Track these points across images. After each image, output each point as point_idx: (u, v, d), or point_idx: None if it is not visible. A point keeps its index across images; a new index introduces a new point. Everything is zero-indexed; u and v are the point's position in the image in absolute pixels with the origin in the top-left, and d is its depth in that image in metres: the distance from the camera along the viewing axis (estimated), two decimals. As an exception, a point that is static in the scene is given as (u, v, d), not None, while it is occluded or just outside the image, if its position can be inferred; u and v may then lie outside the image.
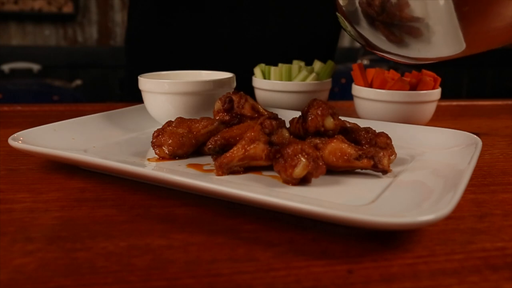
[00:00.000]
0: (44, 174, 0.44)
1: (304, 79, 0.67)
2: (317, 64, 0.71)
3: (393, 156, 0.43)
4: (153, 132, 0.47)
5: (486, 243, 0.31)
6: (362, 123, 0.49)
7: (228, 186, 0.33)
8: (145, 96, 0.58)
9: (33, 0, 2.60)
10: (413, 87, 0.62)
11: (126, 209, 0.36)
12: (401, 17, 0.41)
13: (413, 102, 0.60)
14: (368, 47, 0.50)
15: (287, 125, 0.49)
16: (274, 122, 0.43)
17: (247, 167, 0.42)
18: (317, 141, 0.43)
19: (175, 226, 0.33)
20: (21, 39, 2.67)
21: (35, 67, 2.47)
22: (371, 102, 0.62)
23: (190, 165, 0.45)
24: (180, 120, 0.48)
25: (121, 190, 0.40)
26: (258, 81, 0.69)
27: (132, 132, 0.56)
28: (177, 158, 0.46)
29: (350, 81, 0.67)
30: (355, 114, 0.67)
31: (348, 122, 0.47)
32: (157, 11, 0.89)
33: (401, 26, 0.42)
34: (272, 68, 0.69)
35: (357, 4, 0.44)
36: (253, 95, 0.69)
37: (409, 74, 0.64)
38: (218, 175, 0.41)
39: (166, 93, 0.55)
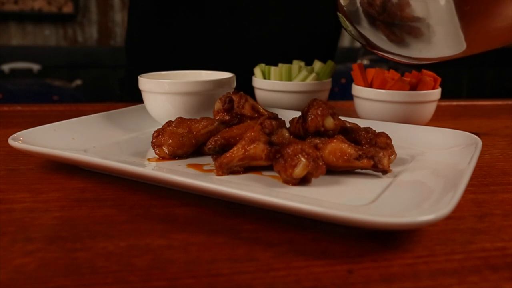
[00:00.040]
0: (44, 174, 0.44)
1: (304, 79, 0.67)
2: (317, 64, 0.71)
3: (393, 156, 0.43)
4: (153, 132, 0.47)
5: (486, 243, 0.31)
6: (362, 123, 0.49)
7: (228, 186, 0.33)
8: (145, 96, 0.58)
9: (33, 0, 2.60)
10: (413, 87, 0.62)
11: (126, 209, 0.36)
12: (402, 16, 0.41)
13: (413, 102, 0.60)
14: (368, 47, 0.50)
15: (287, 125, 0.49)
16: (274, 122, 0.43)
17: (247, 167, 0.42)
18: (317, 141, 0.43)
19: (175, 226, 0.33)
20: (21, 39, 2.67)
21: (35, 67, 2.48)
22: (371, 102, 0.62)
23: (190, 165, 0.45)
24: (180, 120, 0.48)
25: (121, 190, 0.40)
26: (258, 81, 0.69)
27: (132, 132, 0.56)
28: (177, 158, 0.46)
29: (350, 81, 0.67)
30: (355, 114, 0.67)
31: (348, 122, 0.47)
32: (157, 11, 0.89)
33: (402, 26, 0.42)
34: (272, 68, 0.69)
35: (358, 4, 0.44)
36: (253, 95, 0.69)
37: (409, 74, 0.64)
38: (218, 175, 0.41)
39: (166, 93, 0.55)
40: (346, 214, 0.29)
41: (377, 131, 0.46)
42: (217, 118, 0.50)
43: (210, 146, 0.45)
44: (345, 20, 0.48)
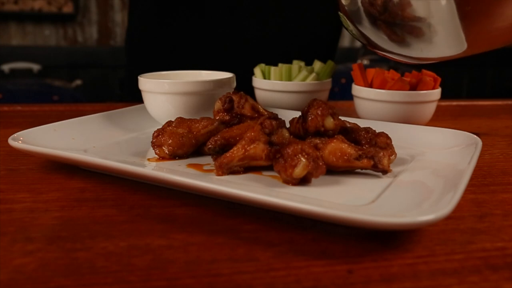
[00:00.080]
0: (44, 174, 0.44)
1: (304, 79, 0.67)
2: (317, 64, 0.71)
3: (393, 156, 0.43)
4: (153, 132, 0.47)
5: (486, 243, 0.31)
6: (362, 123, 0.49)
7: (228, 186, 0.33)
8: (145, 96, 0.58)
9: (33, 0, 2.60)
10: (413, 87, 0.62)
11: (126, 209, 0.36)
12: (403, 16, 0.41)
13: (413, 102, 0.60)
14: (369, 47, 0.50)
15: (287, 125, 0.49)
16: (274, 122, 0.43)
17: (247, 167, 0.42)
18: (317, 141, 0.43)
19: (175, 226, 0.33)
20: (21, 39, 2.67)
21: (35, 67, 2.48)
22: (371, 102, 0.62)
23: (190, 165, 0.45)
24: (180, 120, 0.48)
25: (121, 190, 0.40)
26: (258, 81, 0.69)
27: (132, 132, 0.56)
28: (177, 158, 0.46)
29: (350, 81, 0.67)
30: (355, 114, 0.67)
31: (348, 122, 0.47)
32: (157, 11, 0.89)
33: (403, 26, 0.42)
34: (272, 68, 0.69)
35: (360, 4, 0.44)
36: (253, 95, 0.69)
37: (409, 74, 0.64)
38: (218, 175, 0.41)
39: (166, 93, 0.55)
40: (346, 214, 0.29)
41: (377, 131, 0.46)
42: (217, 118, 0.50)
43: (210, 146, 0.45)
44: (346, 19, 0.48)
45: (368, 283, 0.26)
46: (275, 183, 0.40)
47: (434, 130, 0.51)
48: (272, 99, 0.68)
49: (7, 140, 0.44)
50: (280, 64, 0.69)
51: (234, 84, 0.61)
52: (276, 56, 0.77)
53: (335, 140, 0.42)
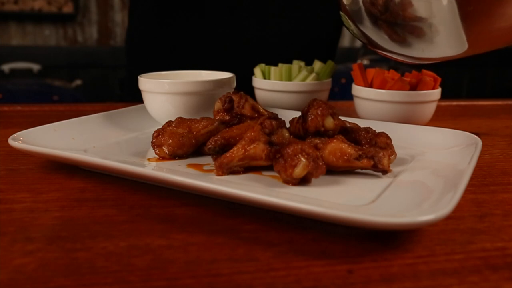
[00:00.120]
0: (44, 174, 0.44)
1: (304, 79, 0.67)
2: (317, 64, 0.71)
3: (393, 156, 0.43)
4: (153, 132, 0.47)
5: (486, 243, 0.31)
6: (362, 123, 0.49)
7: (228, 186, 0.33)
8: (145, 96, 0.58)
9: (33, 0, 2.60)
10: (413, 87, 0.62)
11: (126, 209, 0.36)
12: (404, 16, 0.41)
13: (413, 102, 0.60)
14: (370, 46, 0.50)
15: (287, 125, 0.49)
16: (274, 122, 0.43)
17: (247, 167, 0.42)
18: (317, 141, 0.43)
19: (175, 226, 0.33)
20: (21, 39, 2.67)
21: (35, 67, 2.48)
22: (371, 102, 0.62)
23: (190, 165, 0.45)
24: (180, 120, 0.48)
25: (121, 190, 0.40)
26: (258, 81, 0.70)
27: (132, 132, 0.56)
28: (177, 158, 0.46)
29: (350, 81, 0.67)
30: (355, 114, 0.67)
31: (348, 122, 0.47)
32: (157, 11, 0.89)
33: (404, 26, 0.42)
34: (272, 68, 0.69)
35: (361, 3, 0.44)
36: (253, 95, 0.69)
37: (409, 74, 0.64)
38: (218, 175, 0.41)
39: (166, 93, 0.55)
40: (346, 214, 0.29)
41: (377, 131, 0.46)
42: (217, 118, 0.50)
43: (210, 146, 0.45)
44: (347, 19, 0.48)
45: (368, 283, 0.26)
46: (275, 183, 0.40)
47: (434, 130, 0.51)
48: (272, 99, 0.68)
49: (7, 140, 0.44)
50: (280, 64, 0.69)
51: (234, 84, 0.61)
52: (276, 56, 0.77)
53: (335, 140, 0.42)
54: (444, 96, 0.67)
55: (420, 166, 0.44)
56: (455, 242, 0.31)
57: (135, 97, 0.67)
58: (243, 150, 0.41)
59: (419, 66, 0.58)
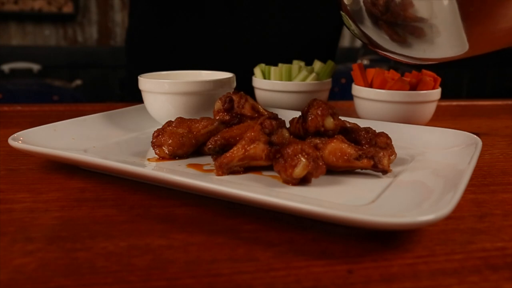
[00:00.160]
0: (44, 174, 0.44)
1: (304, 79, 0.67)
2: (317, 64, 0.71)
3: (393, 156, 0.43)
4: (153, 132, 0.47)
5: (486, 243, 0.31)
6: (362, 123, 0.49)
7: (228, 186, 0.33)
8: (145, 96, 0.58)
9: (33, 0, 2.60)
10: (413, 87, 0.62)
11: (126, 209, 0.36)
12: (405, 16, 0.41)
13: (413, 102, 0.60)
14: (371, 46, 0.50)
15: (287, 125, 0.49)
16: (274, 122, 0.43)
17: (247, 167, 0.42)
18: (317, 141, 0.43)
19: (175, 226, 0.33)
20: (21, 39, 2.67)
21: (35, 67, 2.48)
22: (371, 102, 0.62)
23: (190, 165, 0.45)
24: (180, 120, 0.48)
25: (121, 190, 0.40)
26: (258, 81, 0.69)
27: (132, 132, 0.56)
28: (177, 158, 0.46)
29: (350, 81, 0.67)
30: (355, 114, 0.67)
31: (348, 122, 0.47)
32: (157, 11, 0.89)
33: (405, 26, 0.42)
34: (272, 68, 0.69)
35: (362, 3, 0.44)
36: (253, 95, 0.69)
37: (409, 74, 0.64)
38: (218, 175, 0.41)
39: (166, 93, 0.55)
40: (346, 214, 0.29)
41: (377, 131, 0.46)
42: (217, 118, 0.50)
43: (210, 146, 0.45)
44: (348, 19, 0.48)
45: (368, 283, 0.26)
46: (275, 183, 0.40)
47: (434, 130, 0.51)
48: (272, 99, 0.68)
49: (7, 140, 0.44)
50: (280, 64, 0.69)
51: (234, 84, 0.61)
52: (276, 56, 0.77)
53: (335, 140, 0.42)
54: (444, 96, 0.67)
55: (420, 166, 0.44)
56: (455, 242, 0.31)
57: (135, 97, 0.67)
58: (243, 150, 0.41)
59: (419, 66, 0.59)
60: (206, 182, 0.34)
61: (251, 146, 0.41)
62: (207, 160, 0.46)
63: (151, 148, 0.47)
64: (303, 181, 0.39)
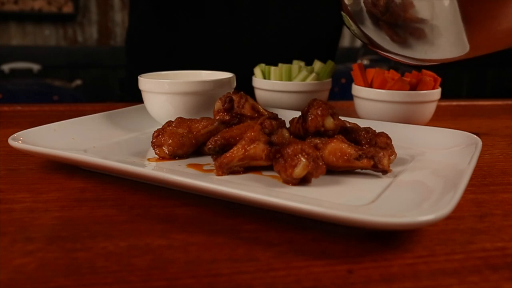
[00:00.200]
0: (44, 174, 0.44)
1: (304, 79, 0.67)
2: (317, 64, 0.71)
3: (393, 156, 0.43)
4: (153, 132, 0.47)
5: (486, 243, 0.31)
6: (362, 123, 0.49)
7: (228, 186, 0.33)
8: (145, 96, 0.58)
9: (33, 0, 2.60)
10: (413, 87, 0.62)
11: (126, 209, 0.36)
12: (405, 17, 0.41)
13: (413, 102, 0.60)
14: (371, 46, 0.50)
15: (287, 125, 0.49)
16: (274, 122, 0.43)
17: (247, 167, 0.42)
18: (317, 141, 0.43)
19: (175, 226, 0.33)
20: (21, 39, 2.67)
21: (35, 67, 2.48)
22: (371, 102, 0.62)
23: (190, 165, 0.45)
24: (180, 120, 0.48)
25: (121, 190, 0.40)
26: (258, 81, 0.70)
27: (132, 132, 0.56)
28: (177, 158, 0.46)
29: (350, 81, 0.67)
30: (355, 114, 0.67)
31: (348, 122, 0.47)
32: (157, 11, 0.89)
33: (405, 27, 0.42)
34: (272, 68, 0.69)
35: (362, 4, 0.44)
36: (253, 95, 0.69)
37: (409, 74, 0.64)
38: (218, 175, 0.41)
39: (166, 93, 0.55)
40: (346, 214, 0.29)
41: (377, 131, 0.46)
42: (217, 118, 0.50)
43: (210, 146, 0.45)
44: (349, 19, 0.48)
45: (368, 283, 0.26)
46: (275, 183, 0.40)
47: (434, 130, 0.51)
48: (272, 99, 0.68)
49: (7, 140, 0.44)
50: (280, 64, 0.69)
51: (234, 84, 0.61)
52: (276, 56, 0.77)
53: (335, 140, 0.42)
54: (444, 96, 0.67)
55: (420, 166, 0.44)
56: (455, 242, 0.31)
57: (135, 97, 0.67)
58: (243, 150, 0.41)
59: (419, 66, 0.58)
60: (206, 182, 0.34)
61: (251, 146, 0.41)
62: (207, 160, 0.46)
63: (151, 148, 0.47)
64: (303, 181, 0.39)
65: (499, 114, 0.79)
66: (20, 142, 0.44)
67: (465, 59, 0.44)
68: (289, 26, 0.91)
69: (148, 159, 0.46)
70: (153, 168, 0.43)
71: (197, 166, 0.44)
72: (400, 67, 1.90)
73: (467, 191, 0.40)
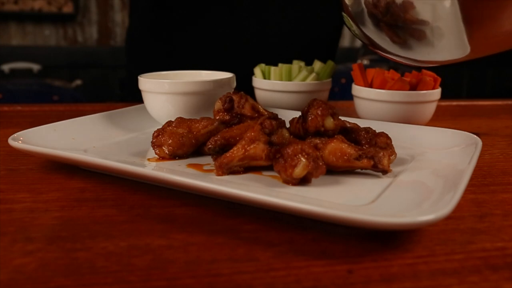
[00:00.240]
0: (44, 174, 0.44)
1: (304, 79, 0.67)
2: (317, 64, 0.71)
3: (393, 156, 0.43)
4: (153, 132, 0.47)
5: (486, 243, 0.31)
6: (362, 123, 0.49)
7: (228, 186, 0.33)
8: (145, 96, 0.58)
9: (33, 0, 2.60)
10: (413, 87, 0.62)
11: (126, 209, 0.36)
12: (405, 18, 0.41)
13: (413, 102, 0.60)
14: (372, 47, 0.50)
15: (287, 125, 0.49)
16: (274, 122, 0.43)
17: (247, 167, 0.42)
18: (317, 141, 0.43)
19: (175, 226, 0.33)
20: (21, 39, 2.67)
21: (35, 67, 2.48)
22: (371, 102, 0.62)
23: (190, 165, 0.45)
24: (180, 120, 0.48)
25: (121, 190, 0.40)
26: (258, 81, 0.70)
27: (132, 132, 0.56)
28: (177, 158, 0.46)
29: (350, 81, 0.67)
30: (355, 114, 0.67)
31: (348, 122, 0.47)
32: (158, 11, 0.89)
33: (405, 28, 0.42)
34: (272, 68, 0.69)
35: (363, 5, 0.44)
36: (253, 95, 0.69)
37: (409, 74, 0.64)
38: (218, 175, 0.41)
39: (166, 93, 0.55)
40: (346, 214, 0.29)
41: (377, 131, 0.46)
42: (217, 118, 0.50)
43: (210, 146, 0.45)
44: (350, 20, 0.48)
45: (368, 283, 0.26)
46: (275, 183, 0.40)
47: (434, 130, 0.51)
48: (272, 99, 0.68)
49: (7, 140, 0.44)
50: (280, 64, 0.69)
51: (234, 84, 0.61)
52: (276, 56, 0.77)
53: (335, 140, 0.42)
54: (444, 96, 0.67)
55: (420, 166, 0.44)
56: (455, 242, 0.31)
57: (135, 97, 0.67)
58: (243, 150, 0.41)
59: (420, 67, 0.58)
60: (206, 182, 0.34)
61: (251, 146, 0.41)
62: (207, 160, 0.46)
63: (151, 148, 0.47)
64: (303, 181, 0.39)
65: (499, 114, 0.79)
66: (20, 142, 0.44)
67: (466, 61, 0.44)
68: (289, 26, 0.91)
69: (148, 159, 0.46)
70: (153, 168, 0.43)
71: (197, 166, 0.44)
72: (400, 67, 1.90)
73: (467, 191, 0.40)
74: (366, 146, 0.44)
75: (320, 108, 0.44)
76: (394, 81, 0.61)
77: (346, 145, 0.41)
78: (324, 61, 0.71)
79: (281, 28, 0.91)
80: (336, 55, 1.01)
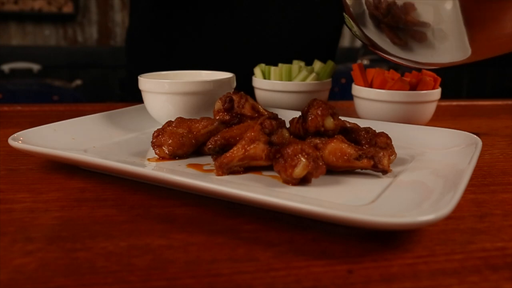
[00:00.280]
0: (44, 174, 0.44)
1: (304, 79, 0.67)
2: (317, 64, 0.71)
3: (393, 156, 0.43)
4: (153, 132, 0.47)
5: (486, 243, 0.31)
6: (362, 123, 0.49)
7: (228, 186, 0.33)
8: (145, 96, 0.58)
9: (33, 0, 2.60)
10: (413, 87, 0.62)
11: (126, 209, 0.36)
12: (406, 20, 0.41)
13: (413, 102, 0.60)
14: (373, 48, 0.50)
15: (287, 125, 0.49)
16: (274, 122, 0.43)
17: (247, 167, 0.42)
18: (317, 141, 0.43)
19: (175, 226, 0.33)
20: (21, 39, 2.67)
21: (35, 67, 2.48)
22: (371, 102, 0.62)
23: (190, 165, 0.45)
24: (180, 120, 0.48)
25: (121, 190, 0.40)
26: (258, 81, 0.70)
27: (132, 132, 0.56)
28: (177, 158, 0.46)
29: (350, 81, 0.67)
30: (355, 114, 0.67)
31: (348, 122, 0.47)
32: (158, 11, 0.89)
33: (406, 30, 0.42)
34: (272, 68, 0.69)
35: (364, 6, 0.44)
36: (253, 95, 0.69)
37: (409, 74, 0.64)
38: (218, 175, 0.41)
39: (166, 93, 0.55)
40: (346, 214, 0.29)
41: (377, 131, 0.46)
42: (217, 118, 0.50)
43: (210, 146, 0.45)
44: (351, 21, 0.48)
45: (368, 283, 0.26)
46: (275, 183, 0.40)
47: (434, 130, 0.51)
48: (272, 99, 0.68)
49: (7, 140, 0.44)
50: (280, 64, 0.69)
51: (234, 84, 0.61)
52: (276, 56, 0.77)
53: (335, 140, 0.42)
54: (444, 96, 0.67)
55: (420, 166, 0.44)
56: (455, 242, 0.31)
57: (135, 97, 0.67)
58: (243, 150, 0.41)
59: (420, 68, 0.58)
60: (206, 182, 0.34)
61: (251, 146, 0.41)
62: (207, 160, 0.46)
63: (151, 148, 0.47)
64: (303, 181, 0.39)
65: (499, 114, 0.79)
66: (20, 142, 0.44)
67: (467, 63, 0.44)
68: (289, 26, 0.91)
69: (148, 159, 0.46)
70: (153, 168, 0.43)
71: (197, 166, 0.44)
72: (400, 67, 1.90)
73: (467, 191, 0.40)
74: (366, 146, 0.44)
75: (320, 108, 0.44)
76: (394, 81, 0.61)
77: (346, 145, 0.41)
78: (324, 61, 0.71)
79: (281, 28, 0.91)
80: (336, 55, 1.01)
